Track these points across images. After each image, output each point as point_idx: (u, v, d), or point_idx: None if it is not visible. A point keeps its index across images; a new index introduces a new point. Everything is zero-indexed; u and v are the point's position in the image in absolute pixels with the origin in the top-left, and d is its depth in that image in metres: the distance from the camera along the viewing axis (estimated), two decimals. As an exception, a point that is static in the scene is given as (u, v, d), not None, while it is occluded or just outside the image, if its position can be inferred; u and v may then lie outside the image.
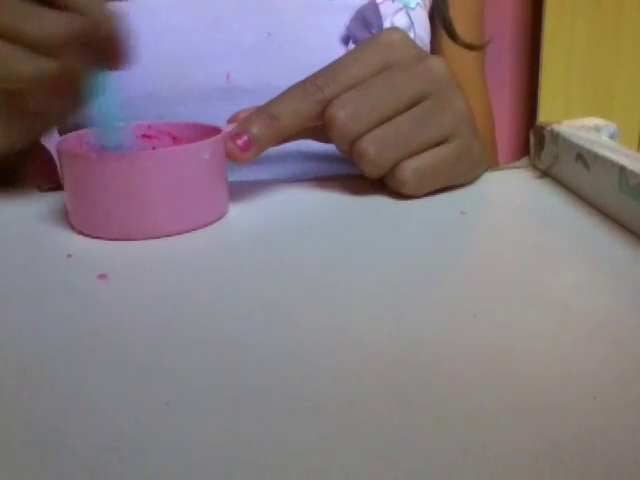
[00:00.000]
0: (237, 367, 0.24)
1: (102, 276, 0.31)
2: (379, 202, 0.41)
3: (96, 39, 0.34)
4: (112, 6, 0.34)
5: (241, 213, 0.40)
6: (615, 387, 0.22)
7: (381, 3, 0.52)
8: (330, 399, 0.22)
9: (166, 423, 0.21)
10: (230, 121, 0.40)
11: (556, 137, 0.43)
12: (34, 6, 0.33)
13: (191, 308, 0.28)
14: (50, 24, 0.32)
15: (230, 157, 0.38)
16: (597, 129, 0.44)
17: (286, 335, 0.26)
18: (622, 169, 0.35)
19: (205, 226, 0.37)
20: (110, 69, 0.36)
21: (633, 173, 0.34)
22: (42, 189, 0.44)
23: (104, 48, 0.35)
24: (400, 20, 0.52)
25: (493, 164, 0.64)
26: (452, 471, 0.18)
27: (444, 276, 0.31)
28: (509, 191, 0.44)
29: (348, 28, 0.50)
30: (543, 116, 1.19)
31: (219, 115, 0.41)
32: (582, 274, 0.31)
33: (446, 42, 0.60)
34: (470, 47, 0.59)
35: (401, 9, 0.53)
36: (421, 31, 0.54)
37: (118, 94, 0.37)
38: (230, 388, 0.22)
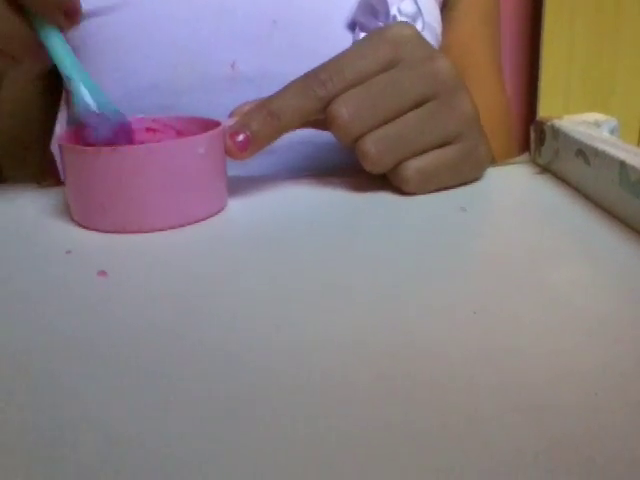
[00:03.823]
0: (237, 365, 0.24)
1: (102, 272, 0.31)
2: (379, 197, 0.41)
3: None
4: None
5: (240, 207, 0.40)
6: (616, 384, 0.22)
7: None
8: (329, 397, 0.22)
9: (166, 422, 0.21)
10: (232, 114, 0.40)
11: (556, 132, 0.43)
12: None
13: (190, 305, 0.28)
14: None
15: (228, 154, 0.38)
16: (597, 124, 0.44)
17: (285, 331, 0.26)
18: (622, 164, 0.34)
19: (202, 220, 0.37)
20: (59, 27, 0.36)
21: (633, 168, 0.33)
22: (41, 185, 0.44)
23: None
24: (407, 7, 0.50)
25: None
26: (452, 471, 0.18)
27: (444, 272, 0.31)
28: (509, 187, 0.44)
29: (354, 15, 0.49)
30: (543, 112, 1.19)
31: (224, 104, 0.41)
32: (582, 270, 0.31)
33: (459, 35, 0.59)
34: None
35: None
36: (430, 19, 0.52)
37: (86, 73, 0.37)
38: (230, 386, 0.22)
